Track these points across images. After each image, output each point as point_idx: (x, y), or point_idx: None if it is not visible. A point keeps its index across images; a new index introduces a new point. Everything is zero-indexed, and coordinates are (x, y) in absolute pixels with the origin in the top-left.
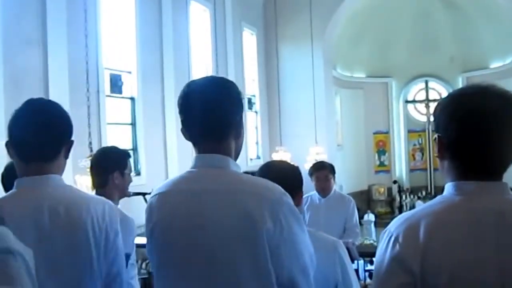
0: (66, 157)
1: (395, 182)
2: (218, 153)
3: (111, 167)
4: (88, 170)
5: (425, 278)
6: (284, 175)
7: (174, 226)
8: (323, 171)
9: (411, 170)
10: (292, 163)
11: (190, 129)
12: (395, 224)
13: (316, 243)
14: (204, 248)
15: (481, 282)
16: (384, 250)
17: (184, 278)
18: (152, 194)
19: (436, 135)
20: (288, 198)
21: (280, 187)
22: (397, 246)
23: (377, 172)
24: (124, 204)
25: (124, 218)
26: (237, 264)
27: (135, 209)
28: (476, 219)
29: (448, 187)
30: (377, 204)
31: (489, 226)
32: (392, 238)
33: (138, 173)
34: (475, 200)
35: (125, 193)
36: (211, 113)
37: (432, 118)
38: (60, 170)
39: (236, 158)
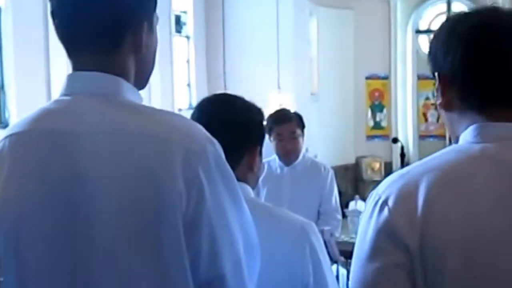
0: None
1: (395, 140)
2: (104, 70)
3: None
4: None
5: (426, 258)
6: (232, 115)
7: (34, 189)
8: (287, 125)
9: (421, 137)
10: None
11: (62, 26)
12: (385, 183)
13: (276, 226)
14: (77, 232)
15: (508, 261)
16: (368, 219)
17: (42, 273)
18: (4, 135)
19: (436, 75)
20: (215, 148)
21: (204, 131)
22: (386, 212)
23: (370, 137)
24: None
25: None
26: (127, 258)
27: None
28: (503, 174)
29: (465, 134)
30: (369, 186)
31: None
32: (380, 202)
33: (6, 125)
34: (504, 148)
35: None
36: None
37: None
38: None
39: (141, 85)
